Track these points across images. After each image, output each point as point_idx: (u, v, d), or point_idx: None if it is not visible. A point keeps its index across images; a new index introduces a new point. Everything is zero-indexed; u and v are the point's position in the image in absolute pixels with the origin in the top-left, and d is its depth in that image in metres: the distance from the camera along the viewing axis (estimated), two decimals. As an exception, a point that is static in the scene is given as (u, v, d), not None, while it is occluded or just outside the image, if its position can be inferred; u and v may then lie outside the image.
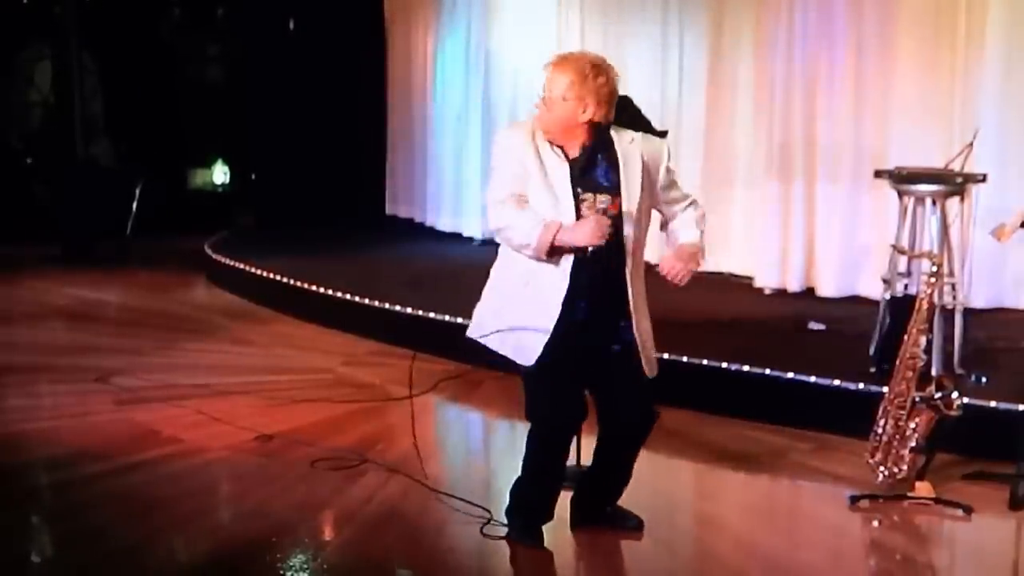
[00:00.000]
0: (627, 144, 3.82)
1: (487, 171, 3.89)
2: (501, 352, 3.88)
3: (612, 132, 3.81)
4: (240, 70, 12.44)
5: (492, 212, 3.82)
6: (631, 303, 3.81)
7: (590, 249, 3.68)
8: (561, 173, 3.75)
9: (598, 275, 3.76)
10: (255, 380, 6.17)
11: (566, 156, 3.78)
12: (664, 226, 4.02)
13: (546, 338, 3.75)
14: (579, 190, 3.75)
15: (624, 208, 3.76)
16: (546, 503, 4.01)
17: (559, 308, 3.75)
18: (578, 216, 3.72)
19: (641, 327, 3.84)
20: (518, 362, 3.84)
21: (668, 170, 3.91)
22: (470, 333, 3.97)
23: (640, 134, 3.91)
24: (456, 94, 10.45)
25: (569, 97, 3.71)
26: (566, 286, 3.75)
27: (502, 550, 3.98)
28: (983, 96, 6.62)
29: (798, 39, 7.40)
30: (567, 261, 3.74)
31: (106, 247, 10.65)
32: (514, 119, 9.58)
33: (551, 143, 3.78)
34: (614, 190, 3.76)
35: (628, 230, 3.77)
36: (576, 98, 3.71)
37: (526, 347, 3.78)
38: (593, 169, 3.78)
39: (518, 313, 3.80)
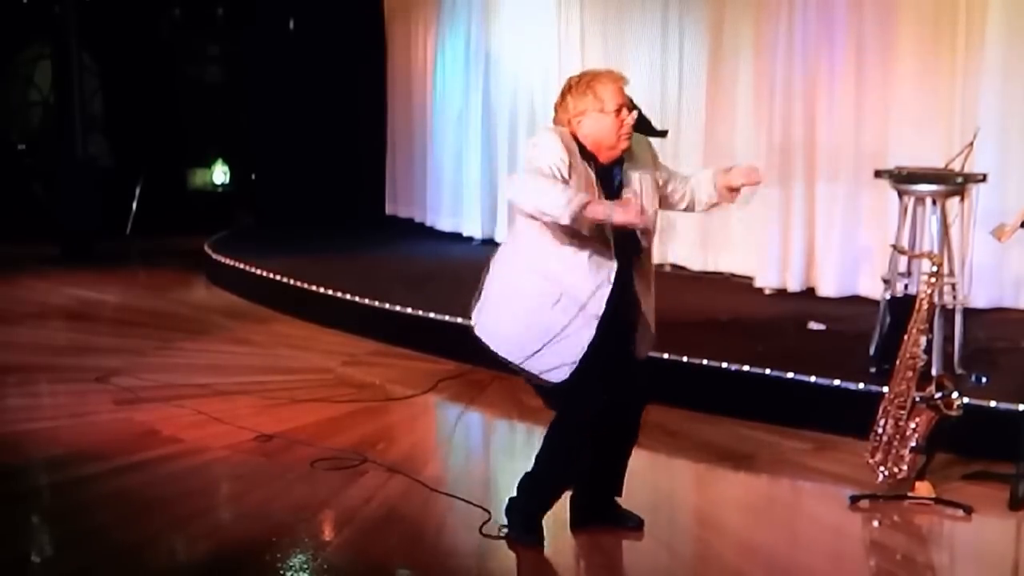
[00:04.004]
0: (631, 149, 3.85)
1: (525, 164, 3.81)
2: (535, 373, 3.84)
3: None
4: (240, 70, 12.44)
5: (525, 177, 3.67)
6: (642, 304, 3.88)
7: (612, 227, 3.64)
8: (602, 186, 3.75)
9: (621, 288, 3.80)
10: (255, 380, 6.17)
11: (603, 169, 3.79)
12: (696, 204, 4.07)
13: (580, 357, 3.75)
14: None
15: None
16: (549, 504, 4.01)
17: (592, 331, 3.74)
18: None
19: (649, 322, 3.93)
20: (551, 380, 3.81)
21: (659, 162, 3.99)
22: (500, 350, 3.89)
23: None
24: (456, 94, 10.45)
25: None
26: (604, 306, 3.74)
27: (502, 550, 3.98)
28: (983, 96, 6.61)
29: (798, 39, 7.40)
30: (606, 285, 3.73)
31: (106, 247, 10.65)
32: (514, 120, 9.58)
33: (587, 157, 3.76)
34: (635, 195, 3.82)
35: (642, 243, 3.83)
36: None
37: (563, 367, 3.76)
38: (620, 178, 3.83)
39: (553, 334, 3.75)
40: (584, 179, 3.71)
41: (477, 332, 3.94)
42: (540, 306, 3.76)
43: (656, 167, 3.97)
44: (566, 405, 3.89)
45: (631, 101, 3.78)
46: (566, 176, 3.67)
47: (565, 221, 3.56)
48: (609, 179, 3.79)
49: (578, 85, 3.79)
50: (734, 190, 3.97)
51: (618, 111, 3.73)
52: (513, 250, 3.89)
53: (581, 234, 3.68)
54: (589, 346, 3.75)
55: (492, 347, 3.90)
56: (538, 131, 3.88)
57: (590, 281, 3.74)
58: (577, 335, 3.74)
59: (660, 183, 3.96)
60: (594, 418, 3.86)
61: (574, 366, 3.75)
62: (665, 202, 4.02)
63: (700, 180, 4.04)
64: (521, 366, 3.85)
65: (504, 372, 4.38)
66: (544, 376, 3.81)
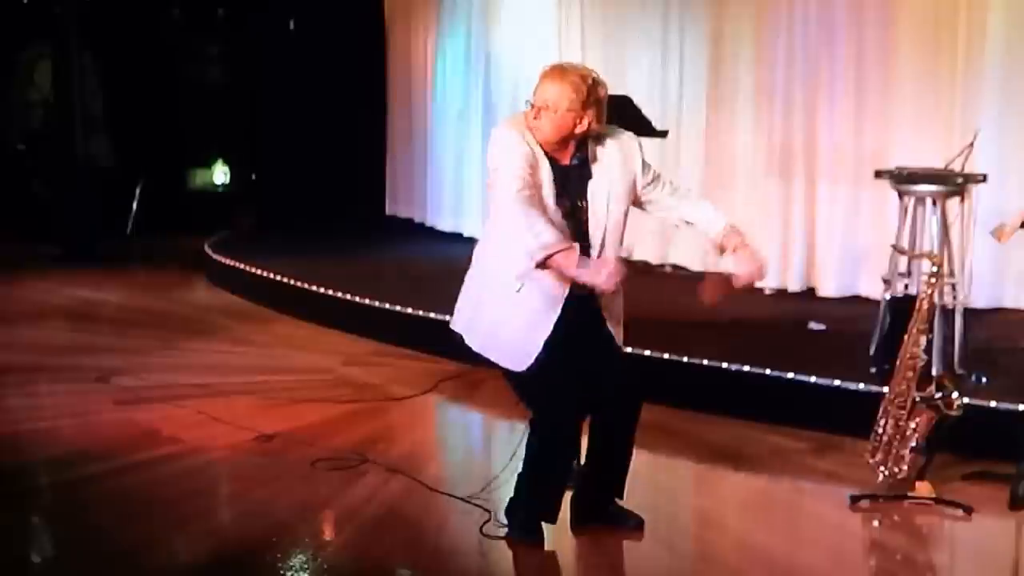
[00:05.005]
0: (603, 147, 3.86)
1: (489, 169, 3.84)
2: (492, 359, 3.91)
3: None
4: (240, 70, 12.44)
5: (513, 206, 3.62)
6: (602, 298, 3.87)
7: (589, 289, 3.68)
8: (555, 181, 3.78)
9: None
10: (255, 380, 6.17)
11: (557, 163, 3.80)
12: (663, 213, 4.04)
13: (540, 345, 3.77)
14: (574, 198, 3.80)
15: (592, 211, 3.82)
16: (550, 503, 4.01)
17: (556, 316, 3.78)
18: (567, 220, 3.76)
19: (614, 314, 3.93)
20: (512, 368, 3.85)
21: (645, 164, 3.94)
22: (457, 327, 3.99)
23: (613, 132, 3.93)
24: (456, 94, 10.45)
25: (573, 109, 3.73)
26: (564, 295, 3.77)
27: (502, 550, 3.98)
28: (983, 96, 6.62)
29: (799, 39, 7.41)
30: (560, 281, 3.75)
31: (106, 247, 10.64)
32: (514, 119, 9.59)
33: (542, 150, 3.80)
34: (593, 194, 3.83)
35: (595, 232, 3.82)
36: (578, 110, 3.73)
37: (521, 354, 3.80)
38: (582, 176, 3.83)
39: (513, 322, 3.81)
40: (537, 164, 3.74)
41: (452, 325, 4.02)
42: (504, 297, 3.81)
43: (640, 167, 3.92)
44: (538, 405, 3.91)
45: (544, 103, 3.74)
46: (530, 171, 3.70)
47: (536, 257, 3.56)
48: (561, 169, 3.80)
49: None
50: (723, 251, 3.94)
51: (531, 103, 3.77)
52: (485, 245, 3.96)
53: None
54: (548, 342, 3.77)
55: (464, 332, 3.96)
56: (496, 128, 3.91)
57: (549, 282, 3.76)
58: (536, 329, 3.78)
59: (639, 185, 3.93)
60: (570, 418, 3.88)
61: (531, 358, 3.78)
62: (638, 201, 3.97)
63: (709, 219, 3.96)
64: (484, 354, 3.91)
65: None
66: (505, 365, 3.86)
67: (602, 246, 3.83)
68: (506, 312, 3.82)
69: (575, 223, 3.80)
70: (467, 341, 3.96)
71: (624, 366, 4.01)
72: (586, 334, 3.87)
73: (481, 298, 3.92)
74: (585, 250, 3.75)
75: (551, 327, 3.79)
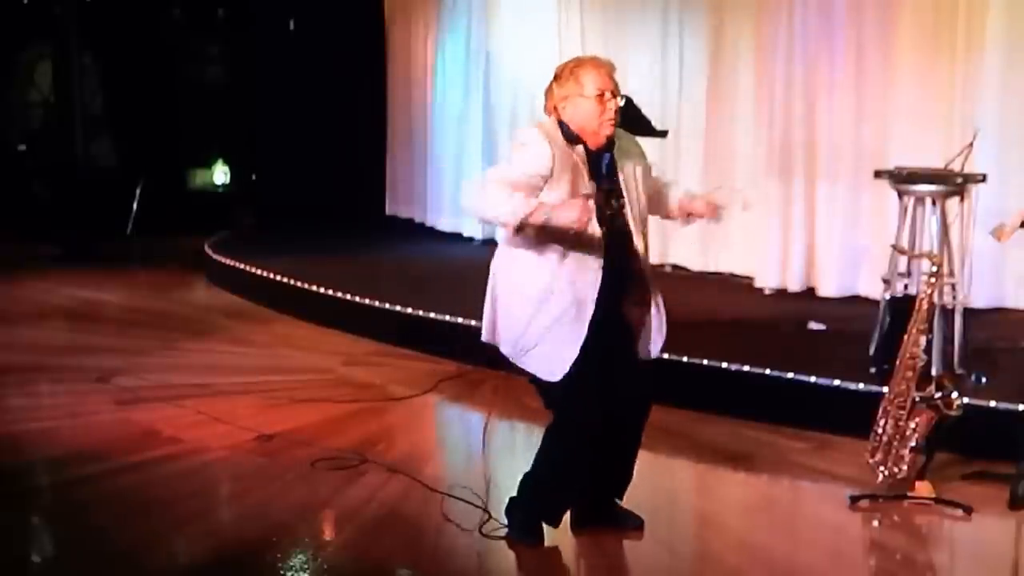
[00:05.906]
0: (619, 135, 3.88)
1: (505, 157, 3.86)
2: (526, 369, 3.87)
3: None
4: (240, 70, 12.45)
5: (480, 185, 3.73)
6: (652, 294, 3.90)
7: (571, 231, 3.66)
8: (589, 164, 3.78)
9: (616, 279, 3.81)
10: (255, 380, 6.18)
11: (590, 150, 3.80)
12: (664, 213, 4.11)
13: (577, 353, 3.75)
14: (608, 180, 3.82)
15: (627, 209, 3.84)
16: (557, 507, 4.00)
17: (586, 325, 3.75)
18: (606, 219, 3.77)
19: (654, 325, 3.93)
20: (547, 378, 3.82)
21: (650, 169, 4.01)
22: (487, 339, 3.94)
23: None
24: (456, 94, 10.45)
25: None
26: (595, 297, 3.75)
27: (502, 550, 3.98)
28: (983, 96, 6.62)
29: (798, 39, 7.41)
30: (595, 273, 3.74)
31: (106, 247, 10.65)
32: (515, 119, 9.58)
33: (573, 141, 3.79)
34: (620, 190, 3.85)
35: (635, 229, 3.84)
36: None
37: (557, 364, 3.76)
38: (612, 160, 3.86)
39: (547, 334, 3.76)
40: (570, 165, 3.73)
41: (483, 337, 3.96)
42: (533, 306, 3.76)
43: (646, 161, 3.98)
44: (563, 409, 3.89)
45: (616, 88, 3.79)
46: (543, 182, 3.69)
47: (511, 230, 3.64)
48: (598, 164, 3.81)
49: (563, 71, 3.85)
50: (691, 215, 4.02)
51: (600, 96, 3.75)
52: (506, 253, 3.89)
53: (566, 236, 3.70)
54: (583, 347, 3.75)
55: (495, 343, 3.93)
56: (523, 129, 3.92)
57: (578, 283, 3.75)
58: (570, 335, 3.74)
59: (648, 178, 3.98)
60: (591, 424, 3.86)
61: (568, 365, 3.75)
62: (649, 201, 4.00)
63: (671, 192, 4.09)
64: (518, 363, 3.87)
65: (504, 372, 4.37)
66: (540, 375, 3.83)
67: (637, 224, 3.84)
68: (539, 323, 3.77)
69: (610, 205, 3.80)
70: (501, 350, 3.92)
71: (640, 371, 3.98)
72: (609, 340, 3.85)
73: (510, 310, 3.85)
74: (623, 228, 3.80)
75: (584, 334, 3.74)
